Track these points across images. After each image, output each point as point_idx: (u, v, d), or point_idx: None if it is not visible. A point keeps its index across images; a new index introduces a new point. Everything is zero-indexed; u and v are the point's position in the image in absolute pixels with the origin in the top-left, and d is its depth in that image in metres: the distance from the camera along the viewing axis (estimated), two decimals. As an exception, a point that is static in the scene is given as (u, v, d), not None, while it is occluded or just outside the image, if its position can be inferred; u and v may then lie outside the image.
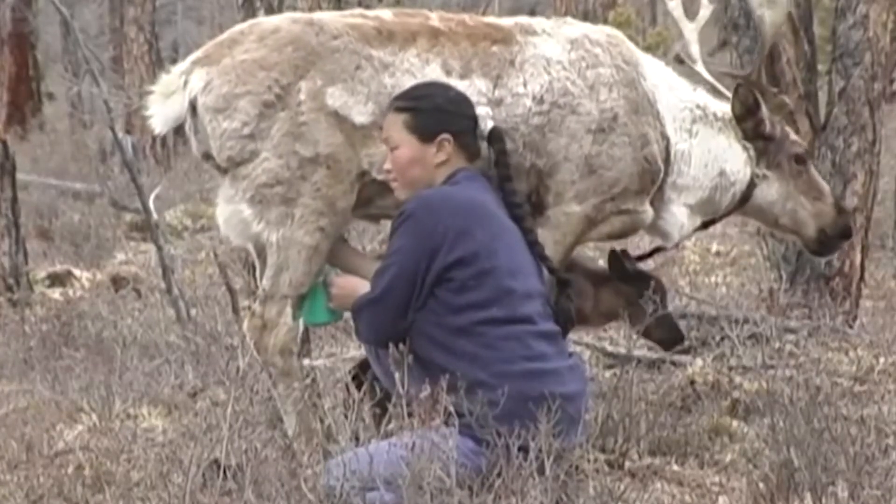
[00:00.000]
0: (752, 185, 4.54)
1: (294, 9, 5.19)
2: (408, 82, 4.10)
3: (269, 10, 5.34)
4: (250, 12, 5.48)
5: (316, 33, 4.12)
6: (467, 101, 4.06)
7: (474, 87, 4.16)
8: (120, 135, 8.94)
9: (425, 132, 3.97)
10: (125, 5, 17.66)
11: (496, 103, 4.18)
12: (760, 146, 4.53)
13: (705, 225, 4.67)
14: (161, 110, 4.17)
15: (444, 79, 4.14)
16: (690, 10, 4.77)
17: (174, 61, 4.40)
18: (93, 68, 8.77)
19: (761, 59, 4.57)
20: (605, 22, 14.12)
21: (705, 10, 4.77)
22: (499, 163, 4.05)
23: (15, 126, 17.30)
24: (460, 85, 4.14)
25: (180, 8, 26.98)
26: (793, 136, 4.63)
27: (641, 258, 5.54)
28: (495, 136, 4.05)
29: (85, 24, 21.80)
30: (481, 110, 4.06)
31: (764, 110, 4.50)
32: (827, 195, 4.64)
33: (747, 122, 4.50)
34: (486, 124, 4.05)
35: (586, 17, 14.44)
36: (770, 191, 4.57)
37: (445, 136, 3.96)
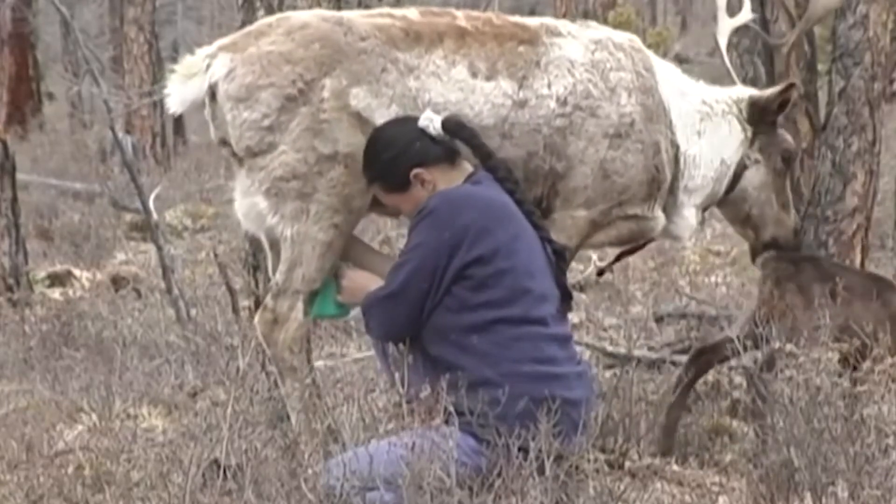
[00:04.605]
0: (742, 167, 4.57)
1: (294, 8, 5.18)
2: (433, 84, 4.09)
3: (269, 10, 5.33)
4: (250, 12, 5.47)
5: (344, 33, 4.10)
6: (403, 127, 3.98)
7: (500, 89, 4.14)
8: (120, 135, 8.97)
9: (399, 185, 3.96)
10: (125, 5, 17.64)
11: (521, 104, 4.16)
12: (761, 130, 4.57)
13: None
14: (180, 91, 4.14)
15: (469, 80, 4.12)
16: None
17: (174, 61, 4.38)
18: (93, 68, 8.76)
19: (800, 31, 4.58)
20: (605, 22, 14.12)
21: (745, 12, 4.85)
22: (472, 147, 3.97)
23: (15, 126, 17.30)
24: (486, 86, 4.13)
25: (180, 8, 26.95)
26: (787, 136, 4.67)
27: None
28: (451, 128, 3.95)
29: (85, 24, 21.79)
30: (423, 120, 3.94)
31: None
32: (791, 211, 4.70)
33: (772, 116, 4.53)
34: (436, 126, 3.94)
35: (586, 16, 14.42)
36: (757, 175, 4.60)
37: (414, 171, 3.92)
